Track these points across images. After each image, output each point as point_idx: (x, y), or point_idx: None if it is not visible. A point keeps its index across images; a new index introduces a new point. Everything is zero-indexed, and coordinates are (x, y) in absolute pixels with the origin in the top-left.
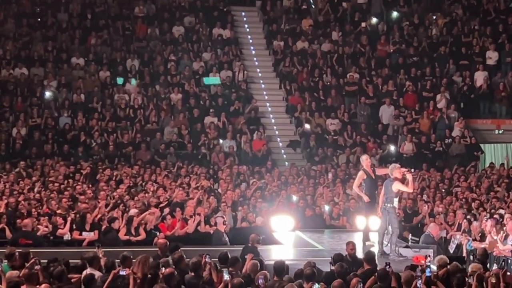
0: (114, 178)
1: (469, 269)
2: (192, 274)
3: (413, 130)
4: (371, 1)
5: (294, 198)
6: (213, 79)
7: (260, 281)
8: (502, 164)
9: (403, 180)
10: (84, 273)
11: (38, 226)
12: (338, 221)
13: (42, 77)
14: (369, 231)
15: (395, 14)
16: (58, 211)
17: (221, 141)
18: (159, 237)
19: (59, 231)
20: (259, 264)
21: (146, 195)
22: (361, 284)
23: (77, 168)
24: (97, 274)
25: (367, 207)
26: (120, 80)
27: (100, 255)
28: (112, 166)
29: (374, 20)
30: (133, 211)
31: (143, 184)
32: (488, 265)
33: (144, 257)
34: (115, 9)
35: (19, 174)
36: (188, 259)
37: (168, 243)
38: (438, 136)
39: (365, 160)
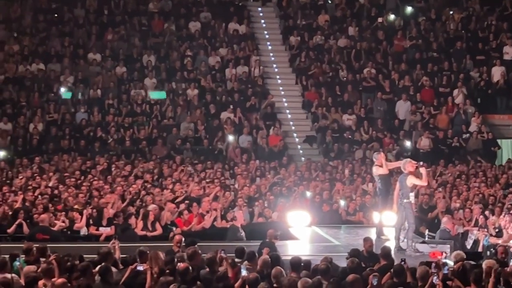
0: (131, 174)
1: (484, 265)
2: (207, 269)
3: (428, 125)
4: None
5: (308, 194)
6: (159, 94)
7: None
8: None
9: (417, 174)
10: (100, 265)
11: (55, 221)
12: (355, 217)
13: (59, 72)
14: (383, 226)
15: (411, 9)
16: (75, 206)
17: (230, 137)
18: (175, 232)
19: (76, 225)
20: (270, 260)
21: (165, 191)
22: (376, 279)
23: (94, 163)
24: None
25: (382, 202)
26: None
27: (116, 247)
28: (129, 162)
29: (391, 16)
30: (151, 207)
31: (160, 180)
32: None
33: (154, 253)
34: (131, 5)
35: (36, 170)
36: (204, 255)
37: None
38: (455, 132)
39: (382, 158)
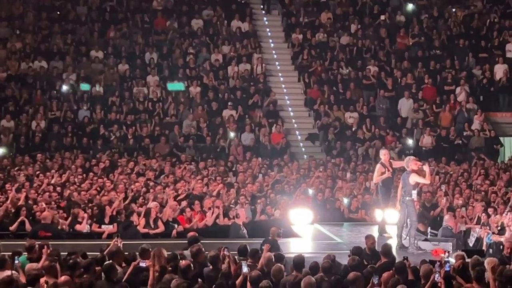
0: (134, 171)
1: (486, 263)
2: (211, 267)
3: (430, 123)
4: None
5: (310, 191)
6: (177, 85)
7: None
8: None
9: (420, 172)
10: (104, 263)
11: (59, 219)
12: (357, 214)
13: (61, 70)
14: (386, 224)
15: (414, 7)
16: (77, 204)
17: (232, 134)
18: (177, 229)
19: (77, 226)
20: (274, 257)
21: (166, 189)
22: (377, 277)
23: (96, 161)
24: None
25: (383, 200)
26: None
27: (119, 244)
28: (131, 159)
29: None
30: (152, 204)
31: (162, 176)
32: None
33: (158, 250)
34: (134, 2)
35: (39, 167)
36: (207, 252)
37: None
38: (457, 130)
39: (383, 155)
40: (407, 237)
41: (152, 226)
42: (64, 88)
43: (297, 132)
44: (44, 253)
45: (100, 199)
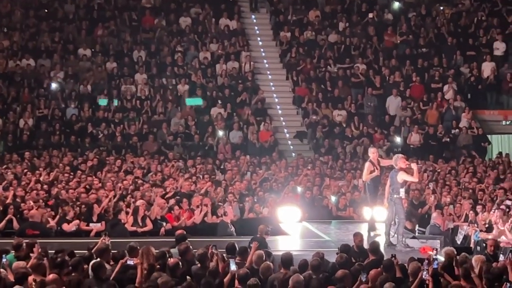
0: (121, 169)
1: (473, 260)
2: (199, 265)
3: (416, 121)
4: None
5: (299, 189)
6: (195, 100)
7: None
8: (508, 155)
9: (408, 170)
10: (93, 261)
11: (48, 218)
12: (345, 212)
13: (49, 68)
14: (375, 222)
15: (400, 5)
16: (65, 202)
17: (220, 132)
18: (165, 227)
19: (64, 226)
20: (264, 255)
21: (154, 187)
22: (365, 275)
23: (84, 159)
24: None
25: (371, 198)
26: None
27: (107, 243)
28: (119, 157)
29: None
30: (139, 202)
31: (152, 175)
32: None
33: (146, 248)
34: (121, 0)
35: (26, 165)
36: (195, 250)
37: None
38: (445, 127)
39: (372, 153)
40: (395, 235)
41: (140, 224)
42: (53, 86)
43: (285, 130)
44: (36, 252)
45: (87, 197)
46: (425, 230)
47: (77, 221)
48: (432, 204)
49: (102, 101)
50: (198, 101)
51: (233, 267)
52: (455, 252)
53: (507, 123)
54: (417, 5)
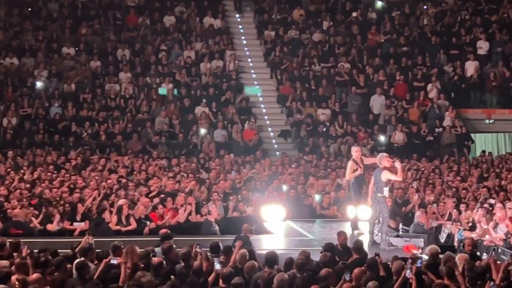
0: (106, 168)
1: (457, 259)
2: (183, 264)
3: (402, 120)
4: None
5: (284, 187)
6: (254, 89)
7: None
8: (490, 153)
9: (392, 169)
10: (76, 260)
11: (32, 218)
12: (329, 211)
13: (33, 67)
14: (358, 220)
15: (383, 3)
16: (49, 201)
17: (204, 131)
18: (149, 226)
19: (48, 226)
20: (248, 254)
21: (140, 186)
22: (349, 273)
23: (67, 158)
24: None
25: (355, 196)
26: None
27: (91, 242)
28: (103, 156)
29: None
30: (121, 201)
31: (136, 174)
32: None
33: (130, 247)
34: None
35: (10, 164)
36: (179, 249)
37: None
38: (429, 126)
39: (355, 151)
40: (379, 234)
41: (124, 223)
42: (37, 84)
43: (269, 129)
44: (24, 253)
45: (70, 196)
46: (409, 229)
47: (59, 217)
48: (416, 203)
49: (163, 90)
50: (256, 90)
51: (217, 266)
52: (439, 251)
53: (491, 121)
54: (401, 4)
